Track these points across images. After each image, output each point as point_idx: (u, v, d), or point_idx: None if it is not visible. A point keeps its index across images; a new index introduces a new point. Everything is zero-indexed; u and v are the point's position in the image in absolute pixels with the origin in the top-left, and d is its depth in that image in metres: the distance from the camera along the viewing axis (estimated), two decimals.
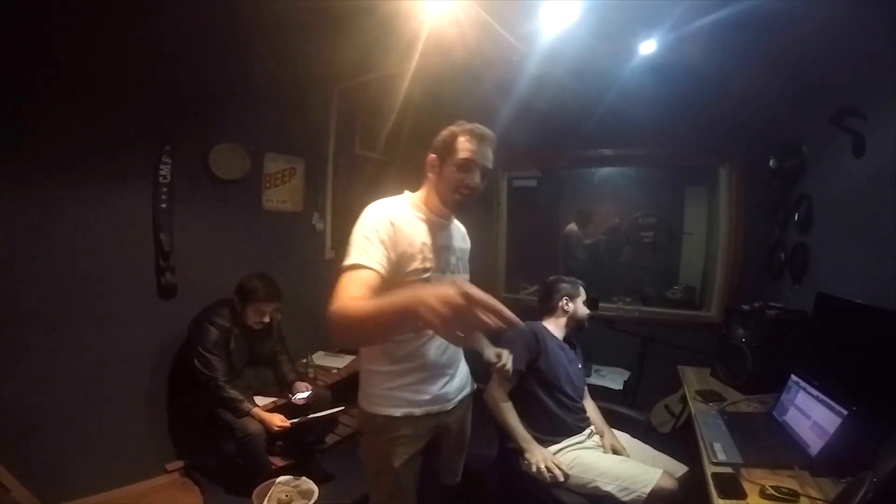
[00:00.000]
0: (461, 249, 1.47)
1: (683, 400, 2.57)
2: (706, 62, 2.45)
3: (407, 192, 1.43)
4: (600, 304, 3.33)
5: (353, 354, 3.19)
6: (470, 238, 1.57)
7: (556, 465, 1.72)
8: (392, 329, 1.02)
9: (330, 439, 2.79)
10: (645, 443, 1.98)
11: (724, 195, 3.03)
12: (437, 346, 1.35)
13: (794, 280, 2.43)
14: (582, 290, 2.07)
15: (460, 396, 1.47)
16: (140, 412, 2.28)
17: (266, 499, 2.11)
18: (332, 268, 3.24)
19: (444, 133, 1.35)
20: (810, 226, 2.37)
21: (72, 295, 1.93)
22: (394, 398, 1.32)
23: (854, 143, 1.95)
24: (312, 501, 2.13)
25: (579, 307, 2.05)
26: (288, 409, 2.40)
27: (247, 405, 2.22)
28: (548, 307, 2.06)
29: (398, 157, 3.54)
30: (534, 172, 3.59)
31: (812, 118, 2.38)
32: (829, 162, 2.26)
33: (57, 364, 1.93)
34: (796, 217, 2.46)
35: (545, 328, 2.01)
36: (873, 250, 1.83)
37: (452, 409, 1.43)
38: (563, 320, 2.03)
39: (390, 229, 1.24)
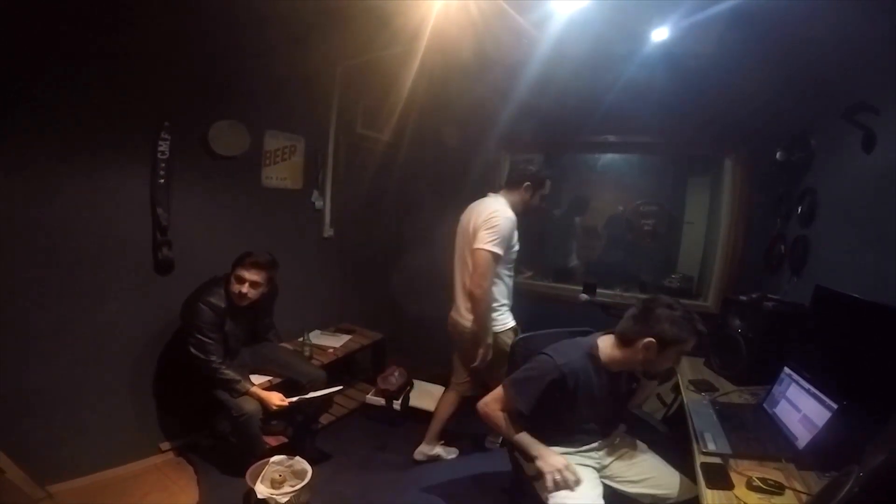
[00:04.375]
0: None
1: (676, 389, 2.60)
2: (718, 52, 2.41)
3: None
4: (598, 290, 3.38)
5: (350, 334, 3.23)
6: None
7: (573, 473, 1.55)
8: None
9: (324, 419, 2.81)
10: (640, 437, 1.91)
11: (727, 186, 3.00)
12: None
13: (793, 273, 2.43)
14: (692, 338, 1.50)
15: None
16: (135, 390, 2.29)
17: (260, 478, 2.11)
18: (330, 246, 3.24)
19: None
20: (812, 219, 2.35)
21: (67, 270, 1.92)
22: None
23: (864, 138, 1.92)
24: (306, 481, 2.13)
25: (667, 359, 1.54)
26: (285, 388, 2.40)
27: (244, 385, 2.20)
28: (626, 335, 1.56)
29: (402, 137, 3.50)
30: (536, 156, 3.55)
31: (822, 112, 2.35)
32: (837, 156, 2.24)
33: (52, 341, 1.93)
34: (799, 210, 2.45)
35: (593, 359, 1.60)
36: (875, 247, 1.82)
37: None
38: (633, 358, 1.55)
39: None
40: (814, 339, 1.90)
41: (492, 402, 1.68)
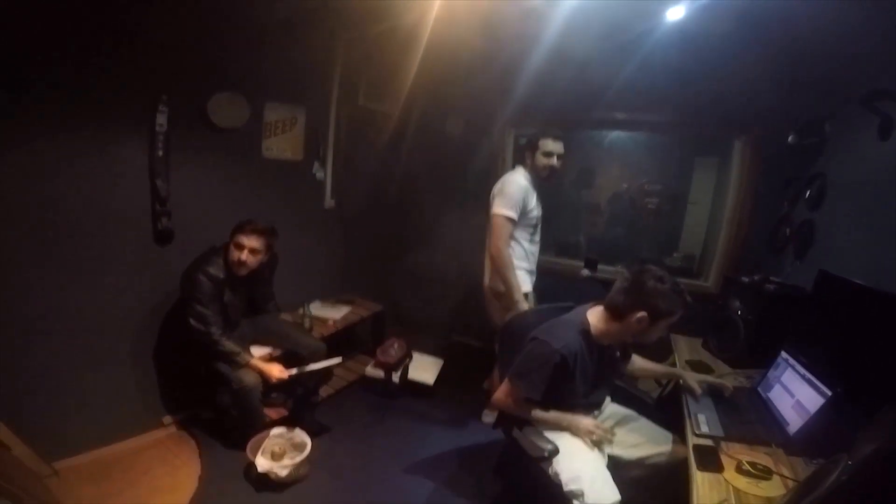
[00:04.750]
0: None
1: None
2: (733, 32, 2.34)
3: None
4: (599, 267, 3.37)
5: (350, 305, 3.25)
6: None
7: (604, 428, 1.67)
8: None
9: (324, 392, 2.85)
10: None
11: (735, 167, 2.94)
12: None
13: (797, 256, 2.41)
14: (680, 310, 1.54)
15: None
16: (137, 364, 2.31)
17: (260, 451, 2.14)
18: (332, 217, 3.24)
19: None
20: (821, 204, 2.31)
21: (66, 243, 1.91)
22: None
23: (881, 125, 1.87)
24: (305, 454, 2.16)
25: (658, 330, 1.57)
26: (285, 360, 2.41)
27: (244, 357, 2.20)
28: (618, 308, 1.57)
29: (407, 111, 3.43)
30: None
31: (838, 97, 2.29)
32: (852, 142, 2.19)
33: (53, 314, 1.93)
34: (808, 194, 2.41)
35: (586, 335, 1.63)
36: (883, 235, 1.79)
37: None
38: (625, 331, 1.59)
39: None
40: (813, 324, 1.90)
41: (504, 398, 1.73)
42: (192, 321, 2.10)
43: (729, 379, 1.98)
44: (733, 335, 2.20)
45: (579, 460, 1.61)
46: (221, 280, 2.14)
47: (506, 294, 2.35)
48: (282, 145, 2.78)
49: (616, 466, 1.67)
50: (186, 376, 2.42)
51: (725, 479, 1.31)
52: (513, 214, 2.31)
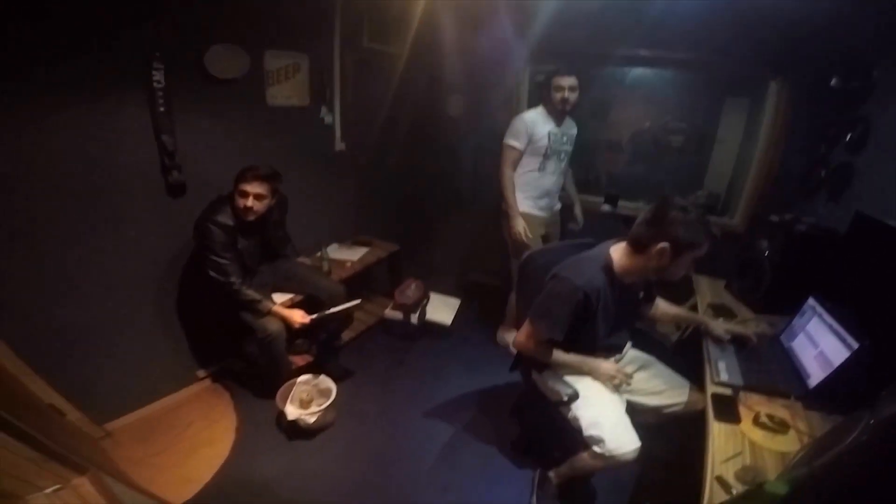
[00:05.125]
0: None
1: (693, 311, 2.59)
2: None
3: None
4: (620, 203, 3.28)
5: (367, 246, 3.28)
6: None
7: (624, 372, 1.68)
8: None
9: (345, 336, 2.90)
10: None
11: (770, 108, 2.74)
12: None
13: (831, 198, 2.28)
14: (705, 243, 1.43)
15: None
16: (165, 321, 2.37)
17: (289, 400, 2.23)
18: (342, 159, 3.22)
19: None
20: (862, 148, 2.17)
21: (81, 204, 1.91)
22: None
23: None
24: (331, 400, 2.25)
25: (682, 265, 1.47)
26: (306, 306, 2.43)
27: (266, 304, 2.22)
28: (640, 240, 1.49)
29: (415, 49, 3.25)
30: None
31: (889, 40, 2.09)
32: None
33: (80, 275, 1.97)
34: (848, 137, 2.25)
35: (609, 272, 1.55)
36: None
37: None
38: (647, 266, 1.50)
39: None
40: (845, 270, 1.82)
41: (525, 340, 1.70)
42: (211, 273, 2.13)
43: (751, 325, 1.94)
44: (758, 277, 2.13)
45: (599, 406, 1.63)
46: (232, 227, 2.14)
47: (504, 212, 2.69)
48: (287, 92, 2.68)
49: (632, 412, 1.68)
50: (214, 329, 2.48)
51: (742, 432, 1.32)
52: (514, 143, 2.61)
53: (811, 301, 1.72)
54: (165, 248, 2.28)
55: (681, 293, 2.62)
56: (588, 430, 1.60)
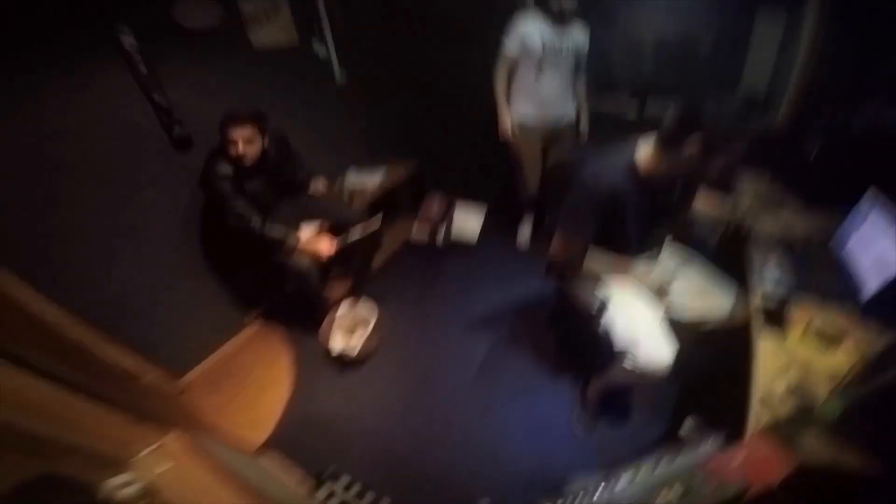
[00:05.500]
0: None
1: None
2: None
3: None
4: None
5: (385, 166, 3.24)
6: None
7: (661, 281, 1.65)
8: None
9: (376, 263, 2.92)
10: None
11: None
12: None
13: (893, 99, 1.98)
14: (739, 142, 1.33)
15: None
16: (205, 271, 2.41)
17: (331, 335, 2.31)
18: (347, 90, 3.11)
19: None
20: None
21: (93, 175, 1.88)
22: None
23: None
24: (371, 327, 2.33)
25: (714, 165, 1.33)
26: (335, 233, 2.40)
27: (293, 238, 2.21)
28: (670, 137, 1.38)
29: None
30: None
31: None
32: None
33: (113, 243, 1.98)
34: None
35: (634, 173, 1.46)
36: None
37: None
38: (678, 165, 1.38)
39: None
40: None
41: (558, 253, 1.63)
42: (232, 223, 2.14)
43: (801, 225, 1.80)
44: (807, 175, 1.95)
45: (632, 318, 1.57)
46: (233, 176, 2.11)
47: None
48: (272, 32, 2.50)
49: (673, 328, 1.60)
50: (251, 274, 2.54)
51: (790, 346, 1.26)
52: (506, 50, 2.56)
53: (868, 196, 1.56)
54: (186, 203, 2.26)
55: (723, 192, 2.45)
56: (619, 343, 1.56)
